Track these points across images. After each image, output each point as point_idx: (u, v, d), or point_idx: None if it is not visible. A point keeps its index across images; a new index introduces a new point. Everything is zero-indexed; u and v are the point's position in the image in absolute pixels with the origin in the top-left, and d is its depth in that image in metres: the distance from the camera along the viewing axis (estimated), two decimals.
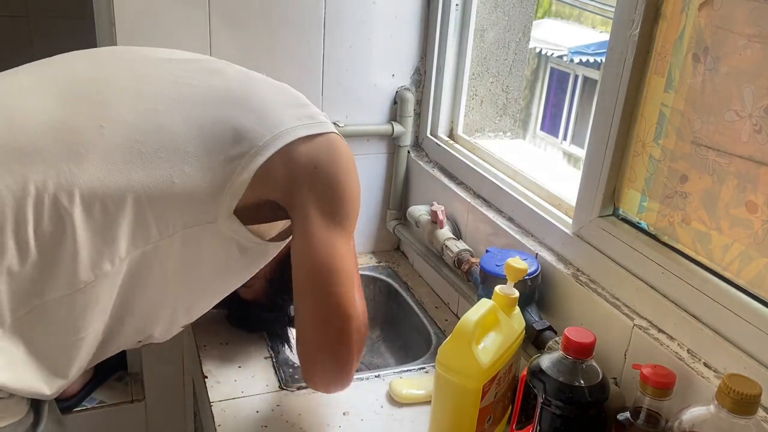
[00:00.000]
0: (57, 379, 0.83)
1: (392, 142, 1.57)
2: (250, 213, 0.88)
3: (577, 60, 6.47)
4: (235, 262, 0.93)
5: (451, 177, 1.45)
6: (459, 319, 0.93)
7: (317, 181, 0.89)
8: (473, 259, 1.25)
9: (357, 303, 0.94)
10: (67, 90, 0.85)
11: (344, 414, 1.07)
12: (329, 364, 0.93)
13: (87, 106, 0.83)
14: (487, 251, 1.15)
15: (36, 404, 0.85)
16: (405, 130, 1.54)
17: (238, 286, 1.01)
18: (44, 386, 0.82)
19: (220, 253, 0.89)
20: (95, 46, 1.25)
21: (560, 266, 1.08)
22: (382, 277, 1.54)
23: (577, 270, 1.07)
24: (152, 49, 1.01)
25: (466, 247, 1.29)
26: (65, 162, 0.78)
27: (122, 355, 1.50)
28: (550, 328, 1.06)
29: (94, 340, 0.85)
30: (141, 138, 0.81)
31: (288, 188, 0.88)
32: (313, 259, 0.89)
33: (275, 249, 1.00)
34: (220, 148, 0.84)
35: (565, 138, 6.70)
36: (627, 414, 0.85)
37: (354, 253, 0.96)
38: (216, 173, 0.83)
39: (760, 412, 0.74)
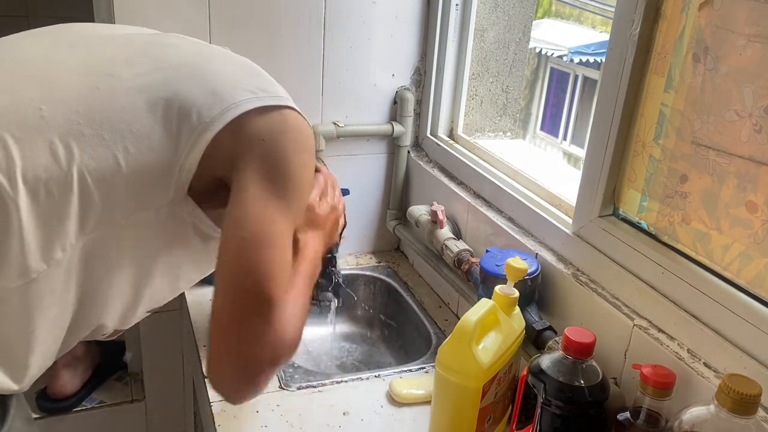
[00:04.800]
0: (20, 371, 0.81)
1: (392, 142, 1.57)
2: (207, 195, 0.84)
3: (577, 60, 6.47)
4: (198, 249, 0.90)
5: (451, 177, 1.45)
6: (459, 319, 0.93)
7: (262, 153, 0.82)
8: (473, 259, 1.25)
9: (287, 297, 0.80)
10: (9, 71, 0.83)
11: (344, 414, 1.07)
12: (235, 356, 0.78)
13: (28, 86, 0.80)
14: (487, 251, 1.15)
15: (2, 403, 0.83)
16: (405, 130, 1.54)
17: (208, 273, 0.95)
18: (7, 379, 0.80)
19: (178, 238, 0.86)
20: None
21: (560, 266, 1.08)
22: (382, 277, 1.54)
23: (577, 270, 1.07)
24: (104, 26, 0.97)
25: (466, 247, 1.29)
26: (3, 146, 0.75)
27: (122, 354, 1.50)
28: (550, 328, 1.06)
29: (53, 330, 0.83)
30: (82, 119, 0.78)
31: (231, 160, 0.82)
32: (244, 227, 0.79)
33: None
34: (167, 125, 0.80)
35: (565, 138, 6.70)
36: (627, 414, 0.85)
37: (289, 250, 0.83)
38: (165, 152, 0.80)
39: (760, 412, 0.74)
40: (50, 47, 0.88)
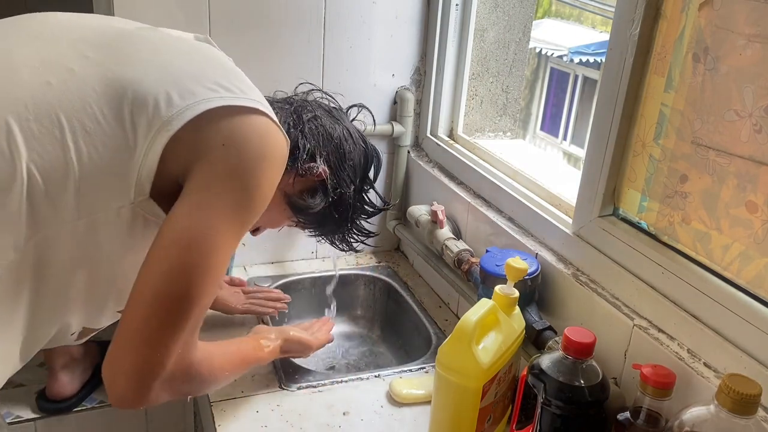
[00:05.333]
0: None
1: (392, 142, 1.57)
2: (173, 197, 0.80)
3: (577, 60, 6.47)
4: None
5: (451, 177, 1.45)
6: (459, 319, 0.93)
7: (220, 159, 0.78)
8: (473, 259, 1.25)
9: (214, 346, 0.86)
10: None
11: (344, 414, 1.07)
12: (136, 355, 0.77)
13: None
14: (487, 251, 1.15)
15: None
16: (405, 130, 1.54)
17: None
18: None
19: (145, 240, 0.81)
20: None
21: (560, 266, 1.08)
22: (382, 277, 1.54)
23: (577, 270, 1.07)
24: (81, 17, 0.89)
25: (466, 247, 1.29)
26: None
27: None
28: (550, 328, 1.06)
29: (12, 330, 0.80)
30: (31, 115, 0.74)
31: (188, 163, 0.78)
32: (184, 233, 0.77)
33: None
34: (122, 124, 0.76)
35: (565, 138, 6.71)
36: (627, 414, 0.85)
37: (224, 265, 0.82)
38: (121, 152, 0.76)
39: (760, 412, 0.74)
40: (7, 39, 0.83)
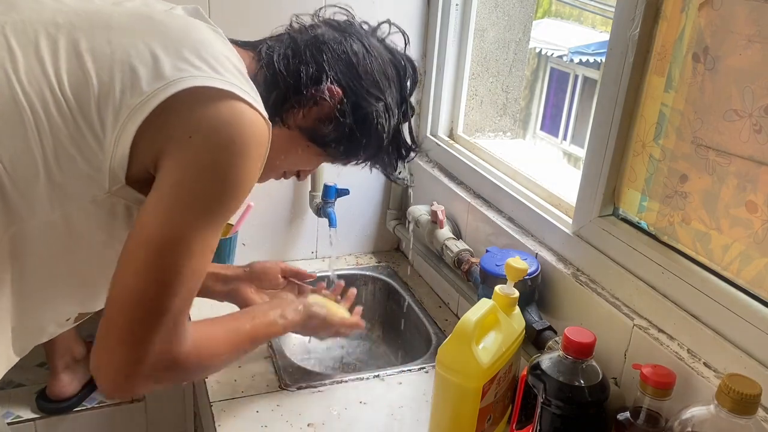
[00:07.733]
0: None
1: None
2: (148, 181, 0.77)
3: (577, 60, 6.47)
4: None
5: (451, 177, 1.45)
6: (459, 319, 0.93)
7: (189, 154, 0.74)
8: (473, 259, 1.25)
9: (206, 325, 0.81)
10: None
11: (344, 413, 1.07)
12: (118, 351, 0.76)
13: None
14: (487, 251, 1.15)
15: None
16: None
17: None
18: None
19: (128, 228, 0.79)
20: None
21: (560, 266, 1.08)
22: (382, 277, 1.54)
23: (577, 270, 1.07)
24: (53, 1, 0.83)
25: (466, 247, 1.29)
26: None
27: None
28: (550, 328, 1.06)
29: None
30: None
31: (157, 153, 0.75)
32: (157, 235, 0.74)
33: None
34: (90, 115, 0.73)
35: (565, 138, 6.71)
36: (627, 414, 0.85)
37: (205, 261, 0.78)
38: (89, 145, 0.74)
39: (760, 412, 0.74)
40: None
